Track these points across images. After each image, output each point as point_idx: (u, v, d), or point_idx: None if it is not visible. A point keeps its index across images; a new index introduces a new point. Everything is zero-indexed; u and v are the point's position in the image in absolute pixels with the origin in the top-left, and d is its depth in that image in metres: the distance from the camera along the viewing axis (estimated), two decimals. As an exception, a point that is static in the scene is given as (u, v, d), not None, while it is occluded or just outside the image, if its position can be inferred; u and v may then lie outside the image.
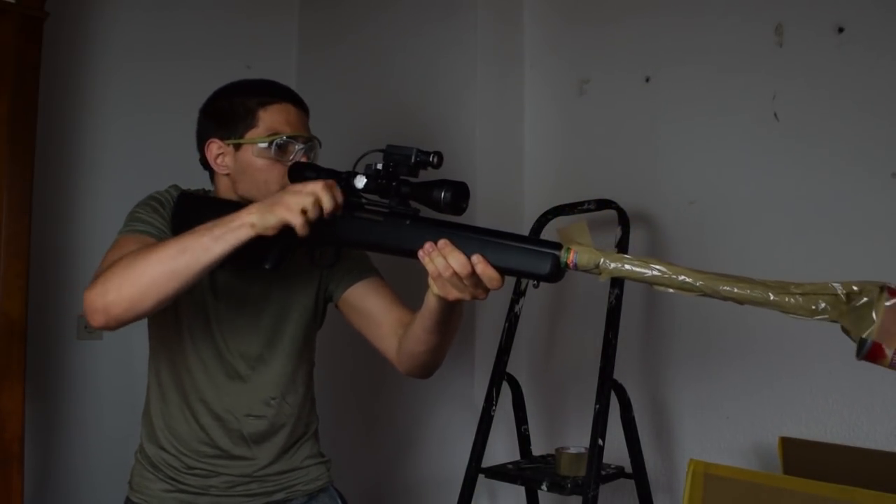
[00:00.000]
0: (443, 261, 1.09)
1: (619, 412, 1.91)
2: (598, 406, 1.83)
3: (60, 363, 2.29)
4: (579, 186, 2.24)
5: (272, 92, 1.39)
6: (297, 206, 1.14)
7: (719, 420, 1.99)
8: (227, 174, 1.39)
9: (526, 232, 2.17)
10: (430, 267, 1.10)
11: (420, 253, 1.11)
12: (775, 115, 1.93)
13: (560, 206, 2.12)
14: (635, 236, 2.05)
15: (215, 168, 1.40)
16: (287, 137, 1.35)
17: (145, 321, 1.39)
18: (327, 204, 1.15)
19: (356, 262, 1.48)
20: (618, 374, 1.88)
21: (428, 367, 1.37)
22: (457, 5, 2.36)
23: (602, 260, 1.01)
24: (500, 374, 2.06)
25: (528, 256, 1.07)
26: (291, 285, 1.46)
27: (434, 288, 1.13)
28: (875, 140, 1.77)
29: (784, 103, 1.91)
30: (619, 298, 1.93)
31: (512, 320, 2.09)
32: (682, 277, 0.95)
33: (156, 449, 1.43)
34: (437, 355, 1.34)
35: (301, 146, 1.37)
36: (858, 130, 1.79)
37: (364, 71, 2.59)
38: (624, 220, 1.98)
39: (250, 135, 1.36)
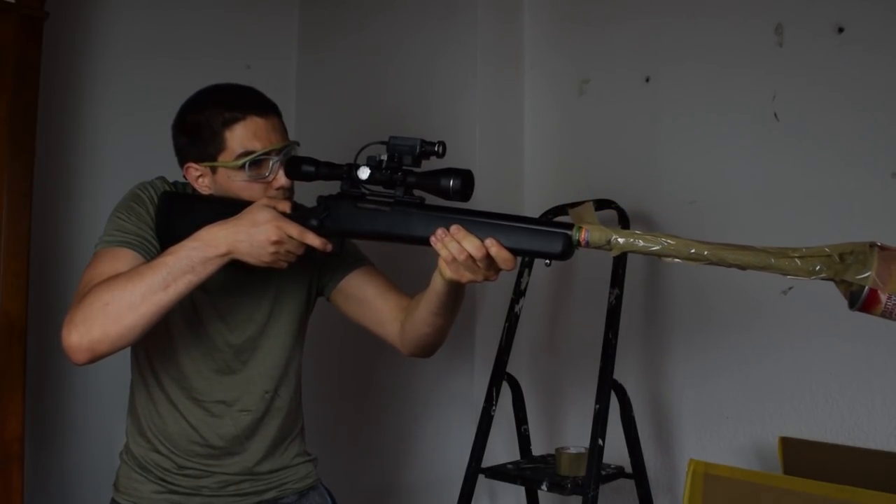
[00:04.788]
0: (456, 245, 1.13)
1: (619, 412, 1.91)
2: (598, 406, 1.83)
3: (60, 363, 2.28)
4: (579, 186, 2.24)
5: (233, 106, 1.33)
6: (270, 259, 1.24)
7: (719, 420, 1.99)
8: (211, 194, 1.37)
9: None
10: (443, 252, 1.14)
11: (432, 239, 1.15)
12: (775, 114, 1.93)
13: (560, 205, 2.12)
14: (635, 236, 2.05)
15: (198, 189, 1.38)
16: (258, 156, 1.32)
17: None
18: (294, 235, 1.24)
19: (347, 253, 1.48)
20: (618, 374, 1.88)
21: (432, 347, 1.41)
22: (456, 5, 2.36)
23: (613, 237, 1.08)
24: (500, 374, 2.06)
25: (540, 237, 1.12)
26: (285, 277, 1.45)
27: (446, 272, 1.16)
28: (875, 140, 1.77)
29: (784, 103, 1.91)
30: (619, 298, 1.93)
31: (512, 320, 2.09)
32: (692, 250, 1.03)
33: (145, 450, 1.42)
34: (442, 336, 1.38)
35: (276, 158, 1.34)
36: (858, 130, 1.79)
37: (364, 71, 2.59)
38: (624, 219, 1.98)
39: (222, 158, 1.33)
